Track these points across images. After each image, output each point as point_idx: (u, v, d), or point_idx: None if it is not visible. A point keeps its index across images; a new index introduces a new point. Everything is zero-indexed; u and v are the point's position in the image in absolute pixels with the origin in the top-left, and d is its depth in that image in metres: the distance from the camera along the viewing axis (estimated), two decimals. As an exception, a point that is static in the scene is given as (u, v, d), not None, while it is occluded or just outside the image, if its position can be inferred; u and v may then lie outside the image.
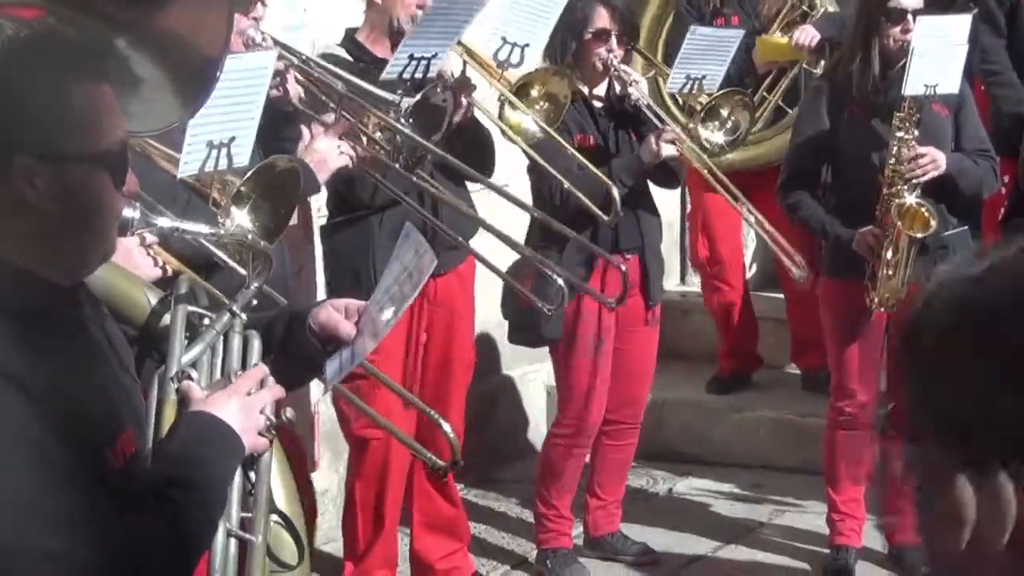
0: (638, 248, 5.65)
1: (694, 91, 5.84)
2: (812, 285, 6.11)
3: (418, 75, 4.95)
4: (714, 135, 5.88)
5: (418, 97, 4.90)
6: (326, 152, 4.38)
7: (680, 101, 6.48)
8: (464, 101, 5.18)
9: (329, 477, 5.90)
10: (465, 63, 5.31)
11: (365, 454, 5.49)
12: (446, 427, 4.68)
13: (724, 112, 5.87)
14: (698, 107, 5.94)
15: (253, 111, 4.23)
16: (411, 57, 4.95)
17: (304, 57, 4.85)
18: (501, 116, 5.38)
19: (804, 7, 6.66)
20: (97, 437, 2.42)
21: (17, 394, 2.31)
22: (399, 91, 4.88)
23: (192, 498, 2.53)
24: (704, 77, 5.81)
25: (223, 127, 4.16)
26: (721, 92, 5.92)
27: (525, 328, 5.68)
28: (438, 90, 5.04)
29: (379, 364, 4.61)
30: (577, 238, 5.36)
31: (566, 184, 5.31)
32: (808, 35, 6.44)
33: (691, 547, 6.20)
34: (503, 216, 5.54)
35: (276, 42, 4.77)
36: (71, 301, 2.53)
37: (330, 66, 4.91)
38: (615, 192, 5.28)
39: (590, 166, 5.39)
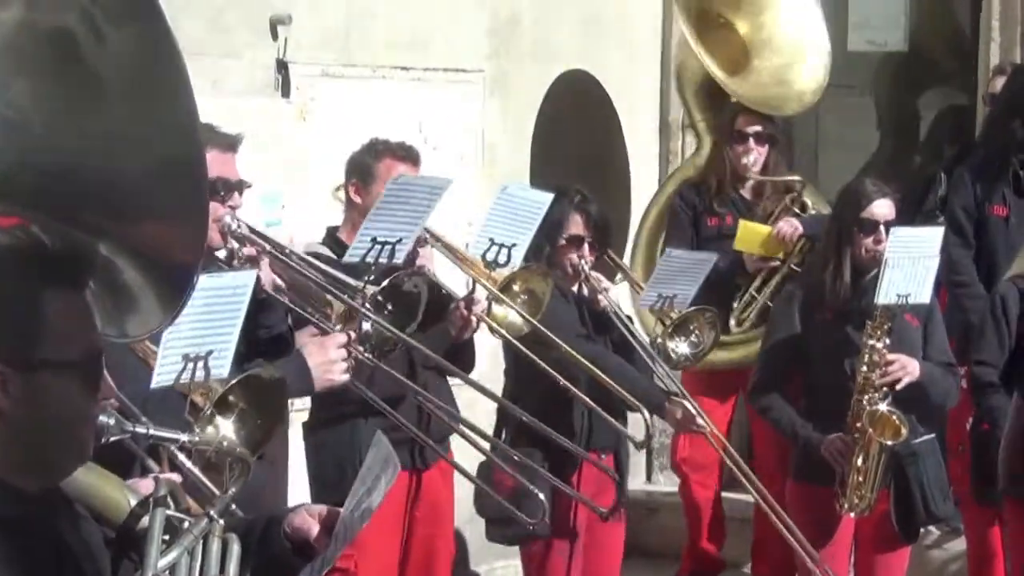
0: (611, 447, 5.56)
1: (665, 308, 5.84)
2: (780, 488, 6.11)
3: (383, 259, 4.94)
4: (679, 347, 5.88)
5: (385, 284, 4.83)
6: (333, 363, 4.34)
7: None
8: (472, 318, 5.14)
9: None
10: (455, 264, 5.26)
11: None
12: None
13: (692, 326, 5.87)
14: (667, 322, 5.91)
15: (233, 326, 4.24)
16: (374, 241, 4.95)
17: (275, 244, 4.82)
18: (488, 313, 5.34)
19: (796, 208, 6.70)
20: None
21: None
22: (366, 278, 4.81)
23: None
24: (675, 296, 5.87)
25: (201, 340, 4.18)
26: (691, 309, 5.91)
27: (503, 524, 5.52)
28: (407, 278, 4.95)
29: (362, 558, 4.60)
30: (559, 439, 5.23)
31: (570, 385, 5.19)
32: (791, 227, 6.48)
33: None
34: (477, 411, 5.53)
35: (251, 230, 4.77)
36: (41, 507, 2.45)
37: (301, 253, 4.90)
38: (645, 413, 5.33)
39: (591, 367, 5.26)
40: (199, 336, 4.21)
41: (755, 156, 6.71)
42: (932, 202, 6.70)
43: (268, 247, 4.87)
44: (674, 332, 5.91)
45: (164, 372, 4.16)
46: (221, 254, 4.71)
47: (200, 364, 4.22)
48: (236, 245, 4.73)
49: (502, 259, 5.35)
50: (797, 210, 6.74)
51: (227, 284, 4.37)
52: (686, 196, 6.97)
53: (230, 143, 4.69)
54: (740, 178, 6.79)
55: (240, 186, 4.79)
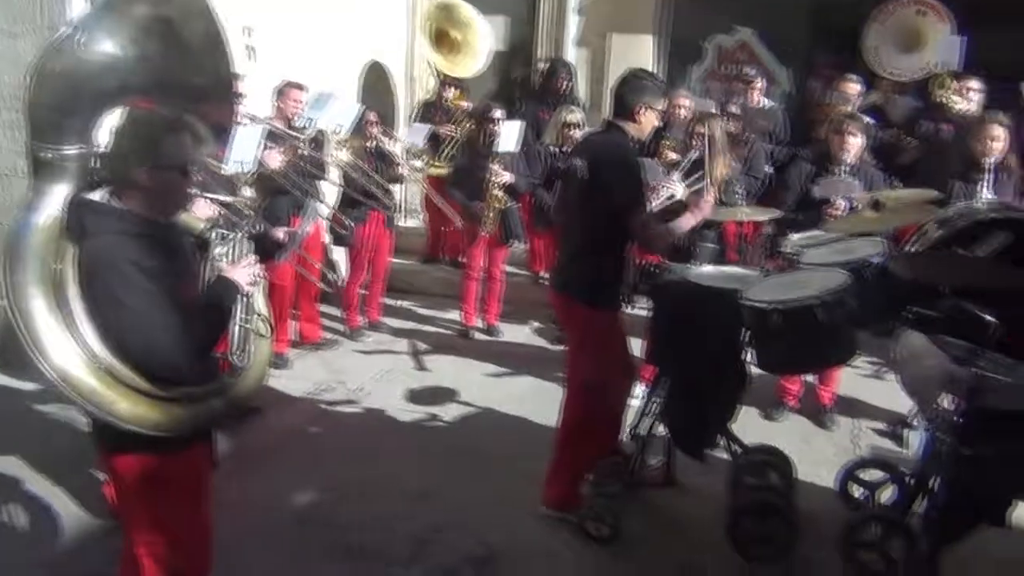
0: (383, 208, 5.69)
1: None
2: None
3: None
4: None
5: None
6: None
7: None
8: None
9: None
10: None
11: (274, 290, 5.22)
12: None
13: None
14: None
15: (256, 148, 4.31)
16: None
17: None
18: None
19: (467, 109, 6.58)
20: (176, 288, 2.32)
21: (137, 270, 2.26)
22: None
23: (219, 310, 2.49)
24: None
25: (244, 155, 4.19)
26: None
27: (341, 238, 5.77)
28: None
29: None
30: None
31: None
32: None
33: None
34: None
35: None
36: (166, 228, 2.42)
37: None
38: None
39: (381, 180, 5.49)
40: (242, 153, 4.19)
41: (454, 92, 7.09)
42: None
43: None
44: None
45: (229, 165, 4.08)
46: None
47: (245, 164, 4.21)
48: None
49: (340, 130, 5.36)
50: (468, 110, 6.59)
51: (248, 133, 4.32)
52: (425, 109, 7.14)
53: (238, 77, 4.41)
54: (445, 100, 6.98)
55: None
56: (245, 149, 4.21)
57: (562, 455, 3.63)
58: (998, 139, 4.43)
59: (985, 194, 4.27)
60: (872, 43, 6.47)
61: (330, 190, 5.65)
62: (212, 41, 2.59)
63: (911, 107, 5.96)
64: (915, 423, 4.39)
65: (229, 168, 4.15)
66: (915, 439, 4.27)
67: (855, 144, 4.54)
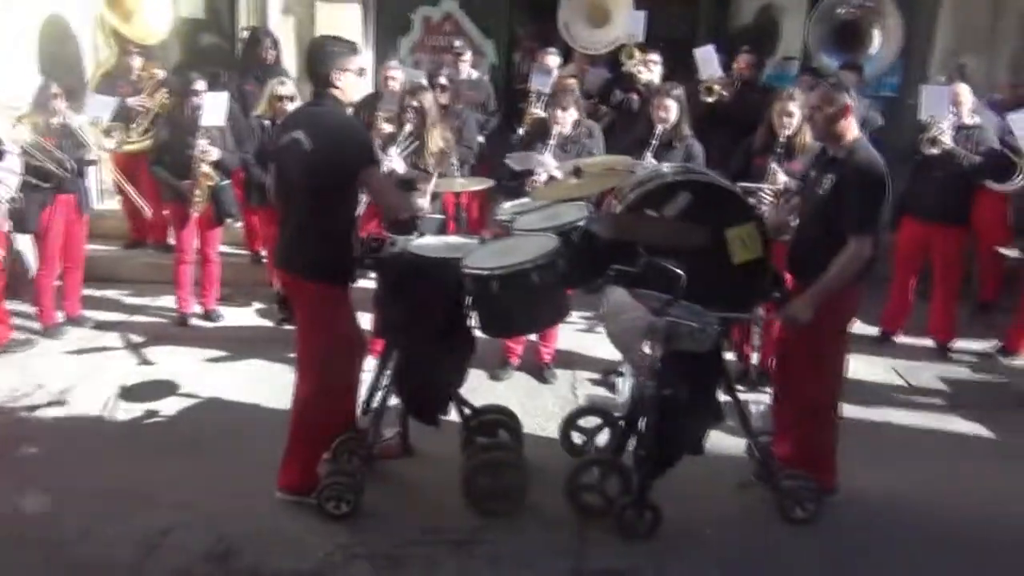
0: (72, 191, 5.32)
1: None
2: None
3: None
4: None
5: None
6: None
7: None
8: None
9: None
10: None
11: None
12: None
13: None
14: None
15: None
16: None
17: None
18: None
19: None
20: None
21: None
22: None
23: None
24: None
25: None
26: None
27: (22, 224, 5.38)
28: None
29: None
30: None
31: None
32: None
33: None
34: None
35: None
36: None
37: None
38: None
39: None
40: None
41: (141, 60, 6.55)
42: None
43: None
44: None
45: None
46: None
47: None
48: None
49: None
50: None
51: None
52: (108, 80, 6.48)
53: None
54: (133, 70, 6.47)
55: None
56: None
57: (297, 437, 3.60)
58: (669, 109, 4.88)
59: (651, 159, 4.65)
60: (565, 19, 6.95)
61: (13, 171, 5.26)
62: None
63: (603, 78, 6.41)
64: (623, 370, 4.82)
65: None
66: (624, 385, 4.71)
67: (569, 117, 4.88)
